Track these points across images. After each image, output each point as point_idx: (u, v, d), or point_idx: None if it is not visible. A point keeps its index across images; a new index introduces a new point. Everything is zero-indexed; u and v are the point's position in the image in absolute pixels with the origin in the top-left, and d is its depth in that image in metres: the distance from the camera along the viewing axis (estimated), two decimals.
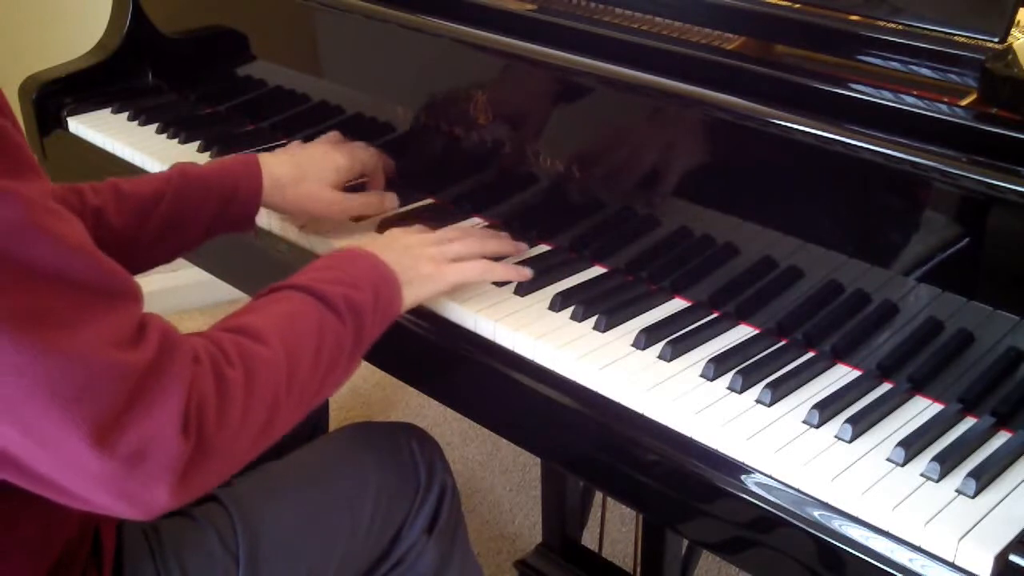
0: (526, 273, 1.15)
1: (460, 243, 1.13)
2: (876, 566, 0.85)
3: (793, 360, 1.04)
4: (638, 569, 1.48)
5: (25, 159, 0.74)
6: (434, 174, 1.36)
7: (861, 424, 0.94)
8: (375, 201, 1.29)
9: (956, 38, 1.00)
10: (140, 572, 0.98)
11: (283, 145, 1.52)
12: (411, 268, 1.06)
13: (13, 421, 0.71)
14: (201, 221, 1.18)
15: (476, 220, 1.31)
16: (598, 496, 1.77)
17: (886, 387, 1.01)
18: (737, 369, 1.01)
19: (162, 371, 0.76)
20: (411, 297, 1.06)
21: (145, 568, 0.98)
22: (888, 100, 0.98)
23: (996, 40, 0.98)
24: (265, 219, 1.30)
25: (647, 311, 1.12)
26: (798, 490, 0.90)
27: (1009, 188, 0.88)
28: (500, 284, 1.16)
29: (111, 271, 0.76)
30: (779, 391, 0.99)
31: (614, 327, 1.09)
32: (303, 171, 1.23)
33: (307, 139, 1.52)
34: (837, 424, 0.95)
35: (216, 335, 0.86)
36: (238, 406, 0.81)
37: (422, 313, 1.14)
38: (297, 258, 1.26)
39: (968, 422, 0.96)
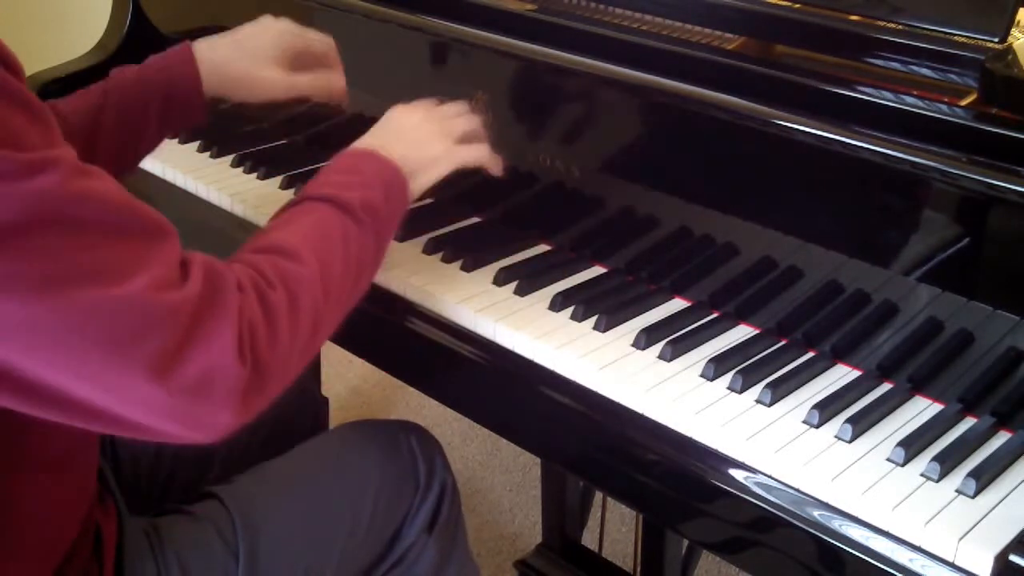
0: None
1: (465, 120, 1.13)
2: (876, 566, 0.85)
3: (793, 360, 1.04)
4: (638, 569, 1.48)
5: (52, 122, 0.75)
6: None
7: (861, 424, 0.94)
8: (323, 81, 1.22)
9: (956, 38, 1.00)
10: (140, 568, 0.98)
11: (283, 145, 1.53)
12: (418, 156, 1.06)
13: (80, 373, 0.73)
14: (149, 120, 1.16)
15: (476, 220, 1.31)
16: (598, 496, 1.77)
17: (886, 387, 1.01)
18: (737, 369, 1.01)
19: (212, 303, 0.78)
20: (419, 185, 1.06)
21: (145, 564, 0.99)
22: (888, 100, 0.98)
23: (996, 40, 0.98)
24: None
25: (647, 311, 1.12)
26: (798, 490, 0.90)
27: (1009, 188, 0.88)
28: (500, 284, 1.15)
29: (149, 216, 0.78)
30: (779, 391, 0.99)
31: (614, 327, 1.09)
32: (241, 50, 1.18)
33: (307, 139, 1.53)
34: (837, 424, 0.95)
35: (253, 259, 0.87)
36: (285, 325, 0.83)
37: (422, 314, 1.15)
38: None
39: (968, 422, 0.96)
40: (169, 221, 0.80)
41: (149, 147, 1.19)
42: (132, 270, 0.74)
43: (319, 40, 1.23)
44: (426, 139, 1.08)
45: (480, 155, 1.12)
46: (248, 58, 1.18)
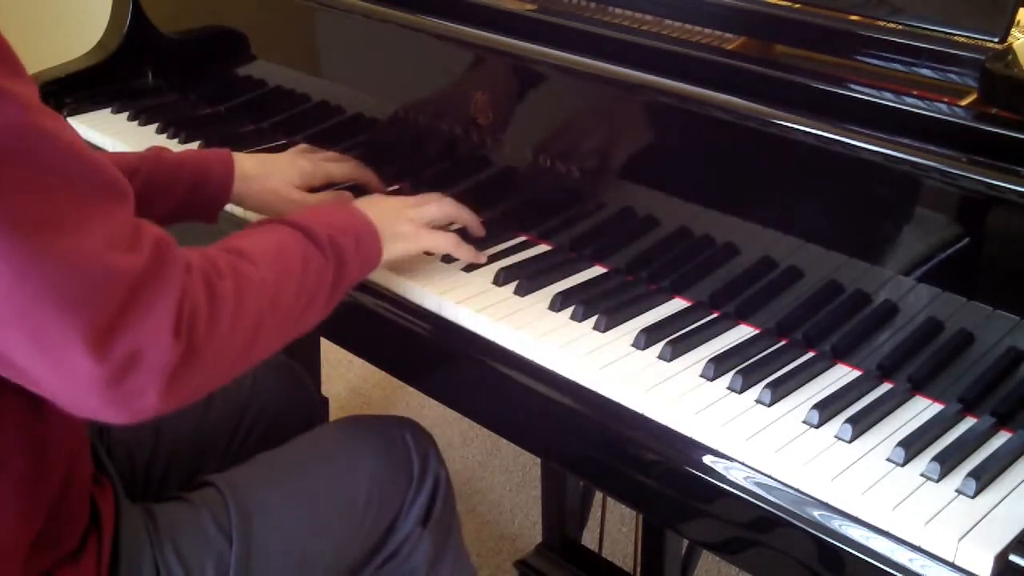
0: (482, 257, 1.20)
1: (436, 207, 1.18)
2: (876, 566, 0.85)
3: (793, 360, 1.04)
4: (638, 569, 1.48)
5: (17, 62, 0.74)
6: (434, 174, 1.36)
7: (861, 424, 0.94)
8: (332, 199, 1.32)
9: (956, 38, 1.00)
10: (137, 553, 0.99)
11: (283, 145, 1.53)
12: (390, 226, 1.11)
13: (18, 324, 0.72)
14: (168, 202, 1.21)
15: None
16: (598, 496, 1.77)
17: (886, 387, 1.01)
18: (737, 369, 1.01)
19: (156, 276, 0.77)
20: (388, 253, 1.10)
21: (142, 548, 1.00)
22: (888, 100, 0.98)
23: (996, 40, 0.98)
24: None
25: (647, 311, 1.12)
26: (798, 490, 0.90)
27: (1009, 188, 0.89)
28: (500, 284, 1.16)
29: (107, 172, 0.78)
30: (779, 391, 0.99)
31: (614, 327, 1.09)
32: (269, 169, 1.29)
33: (307, 139, 1.53)
34: (837, 424, 0.95)
35: (209, 251, 0.89)
36: (227, 316, 0.83)
37: (422, 313, 1.15)
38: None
39: (968, 422, 0.96)
40: (129, 186, 0.80)
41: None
42: (82, 223, 0.73)
43: (339, 172, 1.35)
44: (396, 219, 1.13)
45: (447, 244, 1.17)
46: (273, 179, 1.29)
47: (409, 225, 1.13)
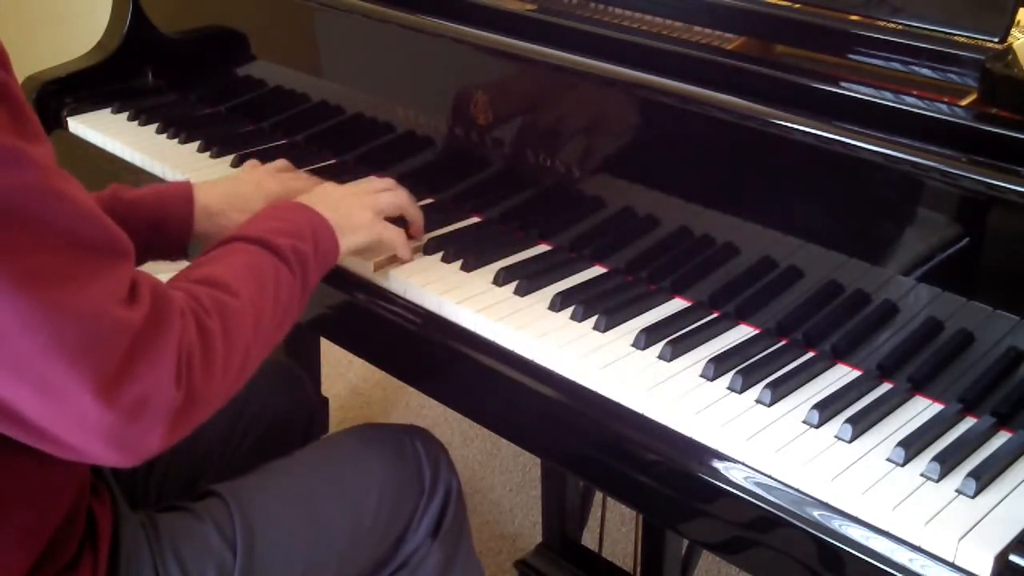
0: (411, 256, 1.19)
1: (392, 196, 1.18)
2: (876, 566, 0.85)
3: (793, 360, 1.04)
4: (638, 569, 1.48)
5: (35, 123, 0.77)
6: (434, 174, 1.36)
7: (861, 424, 0.94)
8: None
9: (956, 38, 1.00)
10: (136, 562, 0.99)
11: (283, 145, 1.53)
12: (345, 219, 1.10)
13: (24, 376, 0.74)
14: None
15: (476, 220, 1.31)
16: (598, 496, 1.77)
17: (886, 387, 1.01)
18: (737, 369, 1.01)
19: (159, 326, 0.80)
20: (345, 245, 1.10)
21: (142, 558, 0.99)
22: (888, 100, 0.98)
23: (996, 40, 0.98)
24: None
25: (647, 311, 1.12)
26: (798, 490, 0.90)
27: (1009, 188, 0.89)
28: (500, 284, 1.15)
29: (113, 232, 0.80)
30: (779, 391, 0.99)
31: (614, 327, 1.09)
32: (233, 202, 1.22)
33: (307, 139, 1.53)
34: (837, 424, 0.95)
35: (191, 288, 0.90)
36: (219, 355, 0.86)
37: (422, 313, 1.15)
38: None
39: (968, 422, 0.96)
40: (130, 243, 0.82)
41: None
42: (90, 280, 0.76)
43: (304, 189, 1.26)
44: (351, 208, 1.13)
45: (399, 239, 1.16)
46: (238, 211, 1.21)
47: (365, 214, 1.13)
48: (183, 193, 1.21)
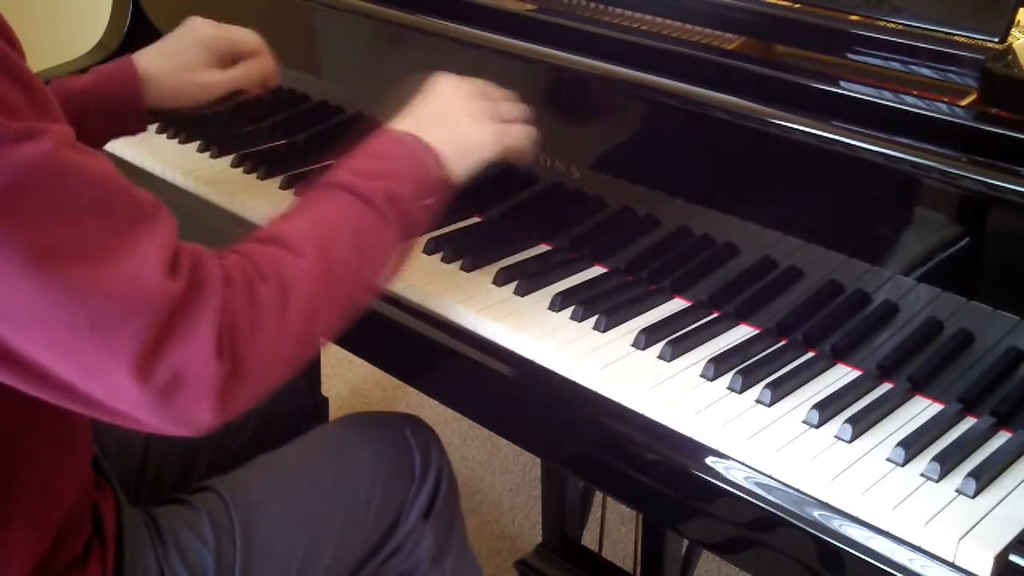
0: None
1: (510, 106, 1.09)
2: (876, 566, 0.85)
3: (793, 360, 1.04)
4: (638, 569, 1.48)
5: (50, 100, 0.76)
6: None
7: (861, 424, 0.94)
8: (255, 70, 1.27)
9: (956, 38, 1.00)
10: (140, 555, 1.00)
11: (283, 145, 1.53)
12: (462, 139, 1.02)
13: (62, 354, 0.74)
14: (86, 133, 1.17)
15: (476, 220, 1.31)
16: (598, 496, 1.77)
17: (886, 387, 1.01)
18: (737, 369, 1.01)
19: (194, 298, 0.77)
20: (462, 169, 1.02)
21: (145, 551, 1.00)
22: (888, 100, 0.98)
23: (996, 40, 0.98)
24: None
25: (647, 311, 1.12)
26: (798, 490, 0.90)
27: (1009, 188, 0.89)
28: (500, 284, 1.15)
29: (143, 199, 0.78)
30: (779, 391, 0.98)
31: (614, 327, 1.09)
32: (175, 61, 1.21)
33: (307, 139, 1.53)
34: (837, 424, 0.95)
35: (251, 249, 0.86)
36: (271, 322, 0.82)
37: (422, 313, 1.15)
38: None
39: (968, 422, 0.96)
40: (167, 208, 0.80)
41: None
42: (121, 253, 0.74)
43: (243, 35, 1.28)
44: (472, 120, 1.03)
45: (526, 141, 1.08)
46: (183, 68, 1.21)
47: (488, 126, 1.03)
48: (126, 71, 1.19)
